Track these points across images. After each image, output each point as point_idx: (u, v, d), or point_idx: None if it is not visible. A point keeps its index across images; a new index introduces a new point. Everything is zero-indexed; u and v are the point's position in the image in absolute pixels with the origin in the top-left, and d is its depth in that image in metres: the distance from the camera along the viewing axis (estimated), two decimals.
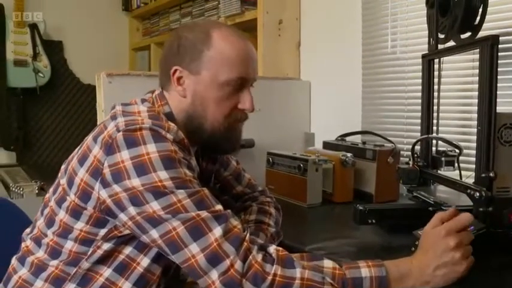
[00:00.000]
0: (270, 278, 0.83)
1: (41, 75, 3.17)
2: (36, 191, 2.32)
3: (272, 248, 0.88)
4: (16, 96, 3.16)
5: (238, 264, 0.83)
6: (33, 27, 3.14)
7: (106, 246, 0.94)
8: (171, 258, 0.87)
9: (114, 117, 0.95)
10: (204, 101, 1.03)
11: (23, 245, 1.04)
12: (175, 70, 1.03)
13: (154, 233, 0.86)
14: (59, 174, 1.02)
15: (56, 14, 3.31)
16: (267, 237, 1.10)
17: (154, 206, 0.86)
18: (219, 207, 0.90)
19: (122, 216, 0.89)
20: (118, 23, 3.73)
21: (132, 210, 0.87)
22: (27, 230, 1.07)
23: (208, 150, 1.14)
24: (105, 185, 0.89)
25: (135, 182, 0.86)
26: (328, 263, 0.88)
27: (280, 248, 0.89)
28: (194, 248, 0.84)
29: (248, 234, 0.88)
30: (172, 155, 0.89)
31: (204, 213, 0.86)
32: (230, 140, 1.08)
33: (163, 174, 0.87)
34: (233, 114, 1.05)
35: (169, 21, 3.26)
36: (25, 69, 3.11)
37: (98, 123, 1.61)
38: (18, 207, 1.43)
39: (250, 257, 0.84)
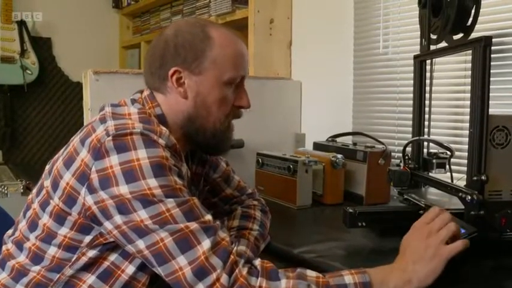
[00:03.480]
0: None
1: (29, 72, 3.14)
2: (21, 190, 2.29)
3: (258, 261, 0.87)
4: (3, 93, 3.13)
5: (224, 278, 0.81)
6: (21, 23, 3.10)
7: (91, 253, 0.91)
8: (156, 269, 0.85)
9: (103, 120, 0.92)
10: (207, 101, 1.02)
11: (3, 247, 1.01)
12: (175, 71, 1.00)
13: (141, 244, 0.84)
14: (43, 175, 0.99)
15: (45, 10, 3.27)
16: (250, 242, 1.07)
17: (142, 215, 0.83)
18: (208, 217, 0.88)
19: (107, 225, 0.86)
20: (108, 21, 3.71)
21: (118, 218, 0.84)
22: (9, 232, 1.04)
23: (206, 150, 1.13)
24: (91, 190, 0.86)
25: (123, 189, 0.84)
26: (311, 273, 0.87)
27: (266, 261, 0.88)
28: (182, 260, 0.82)
29: (236, 248, 0.87)
30: (163, 161, 0.87)
31: (193, 225, 0.84)
32: (228, 139, 1.09)
33: (152, 182, 0.84)
34: (232, 113, 1.06)
35: (160, 20, 3.24)
36: (12, 66, 3.07)
37: (85, 122, 1.61)
38: (1, 207, 1.40)
39: (237, 270, 0.83)
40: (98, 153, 0.86)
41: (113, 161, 0.85)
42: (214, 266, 0.82)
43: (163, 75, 1.01)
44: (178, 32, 1.02)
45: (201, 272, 0.81)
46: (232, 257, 0.84)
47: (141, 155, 0.85)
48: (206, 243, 0.83)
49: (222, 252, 0.84)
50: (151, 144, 0.87)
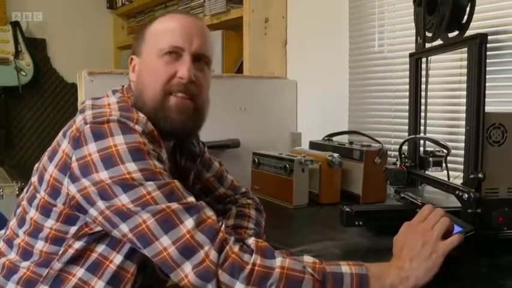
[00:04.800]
0: (248, 267, 0.80)
1: (23, 73, 3.12)
2: (17, 192, 2.28)
3: (251, 240, 0.86)
4: None
5: (213, 255, 0.81)
6: (15, 24, 3.08)
7: (77, 244, 0.92)
8: (143, 251, 0.85)
9: (82, 111, 0.94)
10: (143, 75, 1.04)
11: None
12: (131, 59, 1.08)
13: (124, 227, 0.84)
14: (32, 173, 1.00)
15: (39, 11, 3.25)
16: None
17: (123, 199, 0.84)
18: (190, 199, 0.88)
19: (92, 211, 0.87)
20: (103, 21, 3.69)
21: (101, 204, 0.85)
22: (1, 232, 1.05)
23: (159, 127, 1.01)
24: (73, 179, 0.88)
25: (103, 175, 0.85)
26: (308, 258, 0.86)
27: (260, 240, 0.87)
28: (165, 240, 0.82)
29: (224, 226, 0.86)
30: (141, 146, 0.88)
31: (174, 205, 0.84)
32: (174, 111, 1.01)
33: (131, 166, 0.85)
34: (171, 84, 1.01)
35: None
36: (6, 68, 3.05)
37: None
38: None
39: (227, 247, 0.82)
40: (77, 142, 0.88)
41: (91, 148, 0.86)
42: (200, 244, 0.81)
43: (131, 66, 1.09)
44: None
45: (187, 250, 0.81)
46: (221, 234, 0.83)
47: (119, 141, 0.87)
48: (189, 222, 0.83)
49: (208, 229, 0.83)
50: (128, 130, 0.89)
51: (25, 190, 1.01)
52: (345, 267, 0.84)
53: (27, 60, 3.14)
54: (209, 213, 0.87)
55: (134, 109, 0.96)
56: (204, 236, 0.82)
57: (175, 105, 1.01)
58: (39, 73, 3.29)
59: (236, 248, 0.82)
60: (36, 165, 1.00)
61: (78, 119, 0.92)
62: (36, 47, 3.30)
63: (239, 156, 1.89)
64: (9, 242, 0.99)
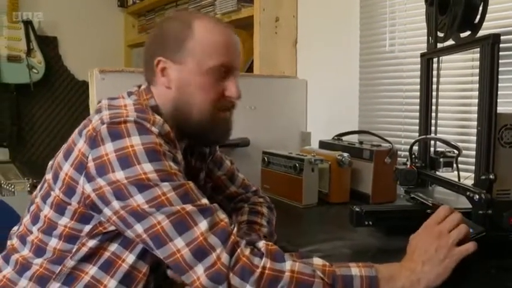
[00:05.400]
0: (258, 271, 0.80)
1: (35, 71, 3.14)
2: (28, 189, 2.30)
3: (262, 243, 0.86)
4: (9, 92, 3.12)
5: (225, 258, 0.81)
6: (28, 22, 3.10)
7: (91, 243, 0.92)
8: (156, 253, 0.86)
9: (99, 111, 0.94)
10: (190, 89, 1.02)
11: (8, 243, 1.03)
12: (159, 61, 1.02)
13: (139, 228, 0.85)
14: (46, 170, 1.01)
15: (51, 9, 3.27)
16: (260, 238, 1.07)
17: (138, 199, 0.84)
18: (204, 200, 0.88)
19: (106, 211, 0.88)
20: (113, 20, 3.70)
21: (116, 204, 0.86)
22: (15, 228, 1.06)
23: (198, 140, 1.12)
24: (89, 178, 0.88)
25: (119, 175, 0.85)
26: (317, 261, 0.86)
27: (270, 243, 0.87)
28: (179, 242, 0.82)
29: (236, 229, 0.86)
30: (157, 147, 0.88)
31: (189, 207, 0.84)
32: (218, 129, 1.07)
33: (147, 167, 0.85)
34: (220, 102, 1.04)
35: None
36: (19, 65, 3.07)
37: None
38: (8, 204, 1.41)
39: (238, 250, 0.82)
40: (94, 141, 0.88)
41: (108, 148, 0.86)
42: (213, 246, 0.82)
43: (152, 66, 1.03)
44: (164, 23, 1.06)
45: (200, 253, 0.81)
46: (232, 237, 0.83)
47: (135, 142, 0.87)
48: (203, 224, 0.83)
49: (221, 232, 0.84)
50: (145, 131, 0.89)
51: (39, 187, 1.02)
52: (355, 270, 0.84)
53: (38, 58, 3.16)
54: (222, 215, 0.87)
55: (150, 111, 0.96)
56: (216, 238, 0.83)
57: (223, 120, 1.06)
58: (51, 71, 3.31)
59: (247, 252, 0.82)
60: (51, 162, 1.00)
61: (95, 118, 0.92)
62: (48, 45, 3.32)
63: (249, 155, 1.89)
64: (22, 239, 0.99)
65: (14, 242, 1.01)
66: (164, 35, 1.04)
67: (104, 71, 1.60)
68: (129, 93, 1.03)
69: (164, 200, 0.84)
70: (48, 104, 3.36)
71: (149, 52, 1.06)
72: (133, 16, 3.72)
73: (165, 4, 3.23)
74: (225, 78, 1.03)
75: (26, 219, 1.00)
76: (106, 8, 3.65)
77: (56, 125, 3.39)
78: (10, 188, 2.27)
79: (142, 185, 0.84)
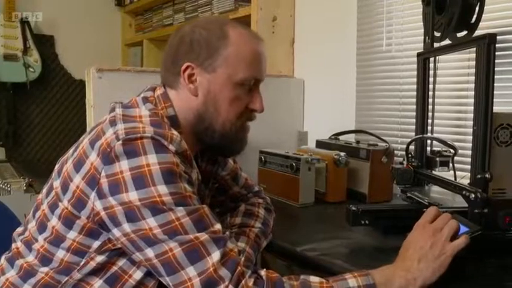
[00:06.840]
0: None
1: (32, 70, 3.13)
2: (24, 188, 2.28)
3: (263, 271, 0.86)
4: (6, 91, 3.11)
5: None
6: (24, 21, 3.09)
7: (99, 258, 0.90)
8: (164, 279, 0.84)
9: (113, 123, 0.90)
10: (217, 100, 1.00)
11: (13, 245, 1.01)
12: (188, 67, 0.99)
13: (150, 252, 0.83)
14: (52, 175, 0.97)
15: (48, 8, 3.26)
16: (250, 239, 1.07)
17: (151, 223, 0.82)
18: (217, 226, 0.87)
19: (115, 232, 0.85)
20: (110, 18, 3.69)
21: (126, 226, 0.84)
22: (19, 230, 1.03)
23: (215, 150, 1.11)
24: (101, 196, 0.85)
25: (133, 195, 0.83)
26: (314, 279, 0.86)
27: (271, 271, 0.87)
28: (191, 271, 0.81)
29: (243, 259, 0.86)
30: (174, 168, 0.85)
31: (203, 236, 0.83)
32: (240, 141, 1.07)
33: (162, 189, 0.83)
34: (244, 115, 1.04)
35: (163, 17, 3.23)
36: (15, 64, 3.06)
37: (88, 119, 1.61)
38: (4, 204, 1.41)
39: (243, 281, 0.82)
40: (108, 157, 0.85)
41: (123, 166, 0.84)
42: (222, 278, 0.81)
43: (177, 70, 1.00)
44: (195, 28, 1.01)
45: (209, 283, 0.81)
46: (239, 268, 0.83)
47: (152, 161, 0.84)
48: (216, 255, 0.83)
49: (231, 263, 0.83)
50: (162, 149, 0.86)
51: (45, 192, 0.98)
52: (352, 281, 0.85)
53: (35, 56, 3.15)
54: (231, 245, 0.86)
55: (168, 124, 0.93)
56: (226, 270, 0.82)
57: (243, 132, 1.07)
58: (47, 69, 3.30)
59: (251, 282, 0.83)
60: (57, 166, 0.97)
61: (109, 132, 0.88)
62: (44, 44, 3.31)
63: (246, 154, 1.87)
64: (27, 245, 0.97)
65: (18, 245, 0.99)
66: (195, 40, 0.99)
67: (101, 70, 1.59)
68: (144, 100, 0.99)
69: (178, 225, 0.82)
70: (44, 102, 3.35)
71: (176, 56, 1.01)
72: (131, 15, 3.72)
73: (162, 3, 3.22)
74: (252, 91, 1.03)
75: (32, 226, 0.97)
76: (103, 7, 3.64)
77: (53, 124, 3.38)
78: (6, 187, 2.26)
79: (156, 208, 0.82)
